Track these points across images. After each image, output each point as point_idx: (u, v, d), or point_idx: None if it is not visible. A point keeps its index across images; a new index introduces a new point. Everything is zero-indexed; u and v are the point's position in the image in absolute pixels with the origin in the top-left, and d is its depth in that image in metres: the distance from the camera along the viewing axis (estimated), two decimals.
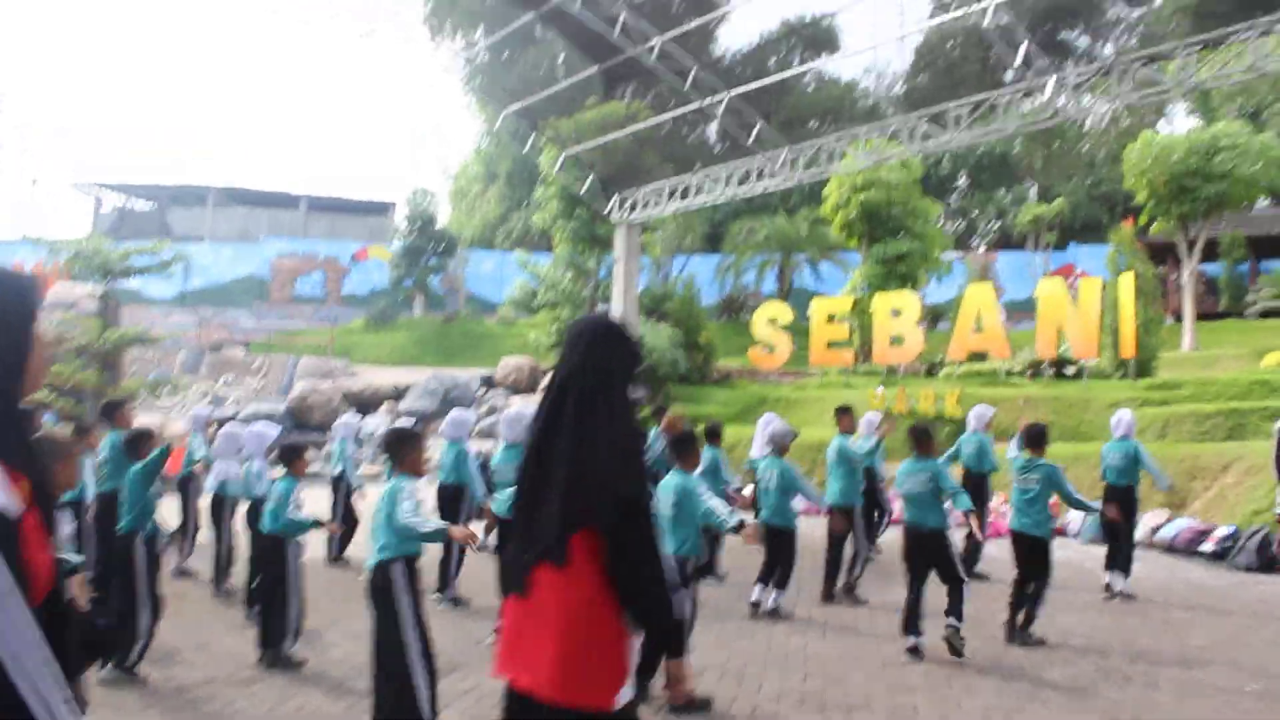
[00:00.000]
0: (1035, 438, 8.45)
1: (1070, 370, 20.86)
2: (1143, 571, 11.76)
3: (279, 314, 42.58)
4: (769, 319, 25.62)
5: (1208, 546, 13.02)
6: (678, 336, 25.62)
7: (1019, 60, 14.81)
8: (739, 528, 6.27)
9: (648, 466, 6.57)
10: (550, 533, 2.95)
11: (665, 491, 6.54)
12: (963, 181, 45.33)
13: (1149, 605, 9.76)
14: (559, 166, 23.32)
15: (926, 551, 7.81)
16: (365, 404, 27.64)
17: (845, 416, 10.68)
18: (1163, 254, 33.22)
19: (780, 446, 9.43)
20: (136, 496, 7.22)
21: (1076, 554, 12.53)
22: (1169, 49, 14.33)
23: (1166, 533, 13.86)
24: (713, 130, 21.90)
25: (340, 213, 49.84)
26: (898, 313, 22.38)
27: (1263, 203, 38.98)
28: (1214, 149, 26.94)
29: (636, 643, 3.04)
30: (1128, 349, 19.40)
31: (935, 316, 32.46)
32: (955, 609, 7.57)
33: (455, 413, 10.61)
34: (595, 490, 2.92)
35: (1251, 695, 6.71)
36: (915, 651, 7.61)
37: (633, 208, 22.65)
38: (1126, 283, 19.48)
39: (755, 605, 9.24)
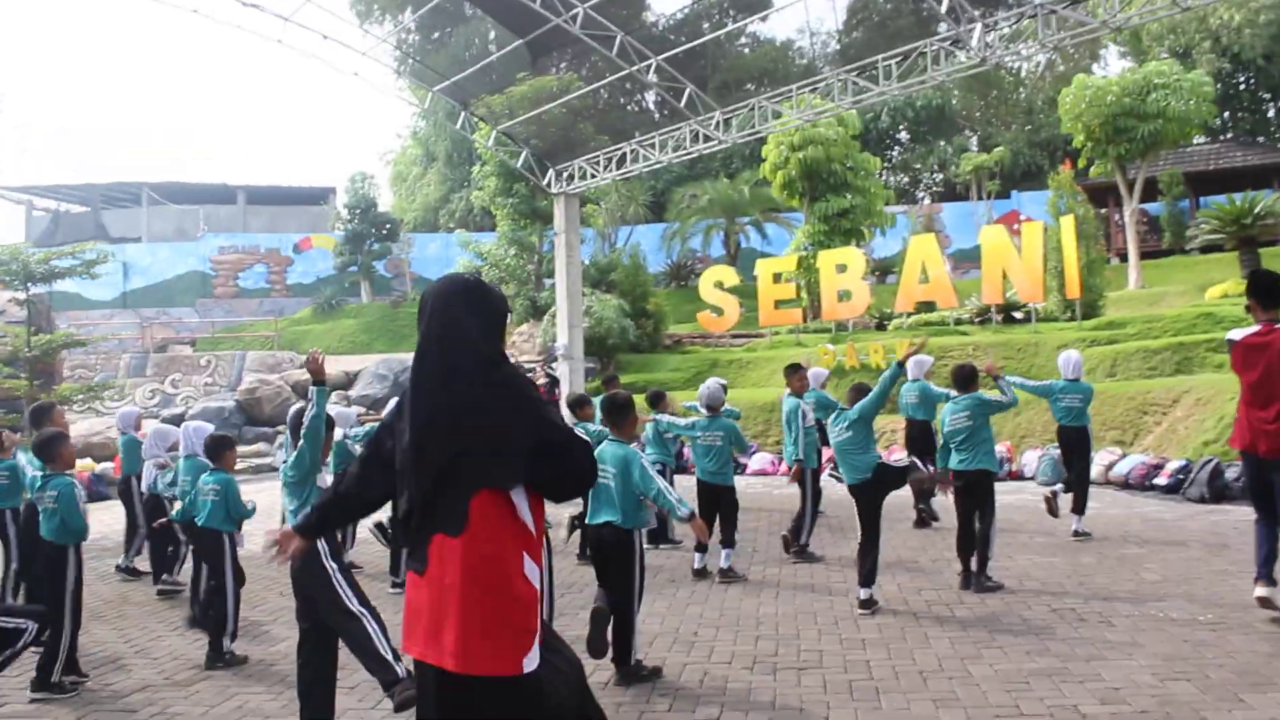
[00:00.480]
0: (965, 379, 8.35)
1: (1019, 315, 20.94)
2: (1098, 509, 11.81)
3: (224, 309, 41.90)
4: (715, 282, 25.50)
5: (1161, 481, 13.12)
6: (625, 306, 25.43)
7: (944, 8, 14.64)
8: (690, 518, 6.08)
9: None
10: (444, 502, 2.80)
11: (605, 461, 6.31)
12: (904, 135, 45.39)
13: (1104, 543, 9.75)
14: (490, 141, 22.95)
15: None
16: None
17: (795, 375, 10.51)
18: (1104, 196, 33.47)
19: (712, 407, 9.32)
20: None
21: (1033, 496, 12.50)
22: None
23: (1120, 469, 13.94)
24: (652, 100, 21.66)
25: (280, 203, 49.02)
26: (843, 268, 22.31)
27: (1199, 140, 39.48)
28: (1146, 88, 27.04)
29: (541, 605, 2.93)
30: (1073, 290, 19.48)
31: (884, 270, 32.54)
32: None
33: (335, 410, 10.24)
34: (486, 449, 2.79)
35: (1205, 626, 6.68)
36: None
37: (570, 179, 22.36)
38: (1068, 225, 19.53)
39: (700, 571, 9.14)
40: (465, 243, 30.71)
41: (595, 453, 5.78)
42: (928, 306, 22.15)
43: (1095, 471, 14.25)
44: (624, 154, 21.09)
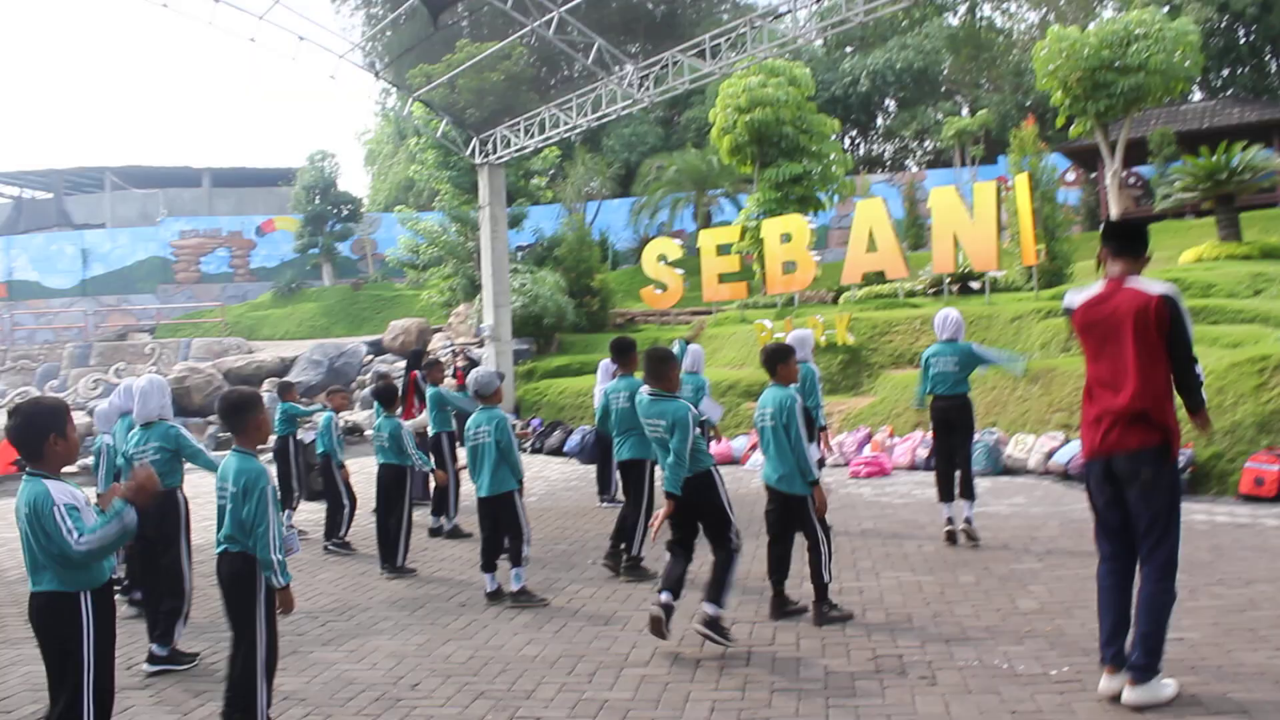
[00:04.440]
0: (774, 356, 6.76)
1: (976, 285, 19.21)
2: (1020, 506, 10.23)
3: (185, 295, 40.57)
4: (658, 256, 23.83)
5: None
6: (563, 283, 23.84)
7: None
8: None
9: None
10: None
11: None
12: (890, 104, 43.51)
13: (999, 553, 8.15)
14: (406, 109, 21.40)
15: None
16: (247, 380, 25.85)
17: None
18: (1088, 158, 31.60)
19: (481, 394, 7.78)
20: None
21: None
22: None
23: (1060, 458, 12.26)
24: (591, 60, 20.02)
25: (246, 185, 47.52)
26: (788, 238, 20.59)
27: (1197, 98, 37.42)
28: (1127, 39, 25.16)
29: None
30: (1028, 257, 17.71)
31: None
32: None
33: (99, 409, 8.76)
34: None
35: (1052, 685, 5.08)
36: None
37: (493, 148, 20.74)
38: (1022, 184, 17.76)
39: (493, 595, 7.66)
40: (405, 220, 29.12)
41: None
42: (879, 278, 20.42)
43: (1034, 460, 12.65)
44: (543, 119, 19.46)
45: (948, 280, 19.13)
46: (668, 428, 6.06)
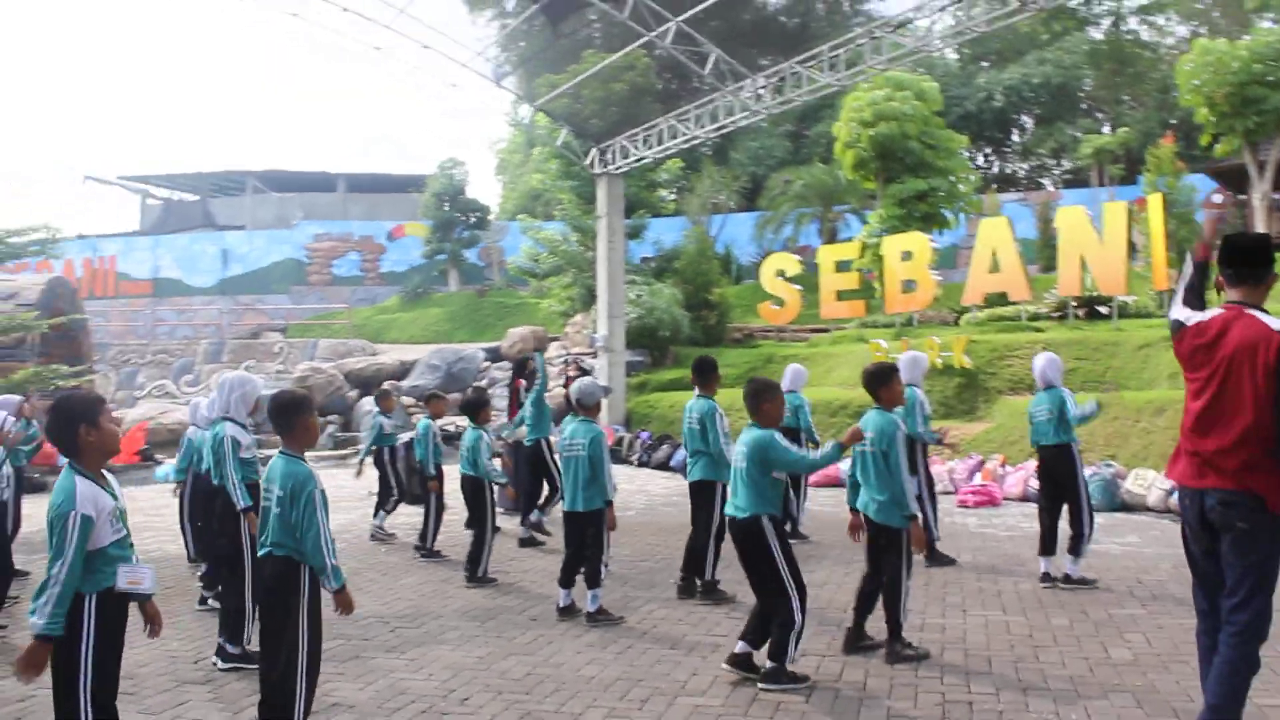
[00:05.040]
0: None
1: (1105, 310, 18.35)
2: (1135, 546, 9.65)
3: (317, 296, 41.75)
4: (776, 271, 23.48)
5: None
6: (679, 295, 23.67)
7: None
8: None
9: None
10: None
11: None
12: (1026, 121, 42.18)
13: (1100, 596, 7.68)
14: (526, 120, 21.54)
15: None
16: (367, 383, 26.43)
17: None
18: (1235, 179, 30.03)
19: (583, 405, 7.63)
20: None
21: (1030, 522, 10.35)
22: None
23: None
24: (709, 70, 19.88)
25: (380, 191, 48.73)
26: (908, 255, 20.03)
27: None
28: None
29: None
30: (1159, 281, 16.85)
31: None
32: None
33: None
34: None
35: None
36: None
37: (613, 159, 20.74)
38: (1155, 204, 16.90)
39: (566, 610, 7.53)
40: (527, 228, 29.34)
41: None
42: (1001, 299, 19.68)
43: (1154, 497, 11.99)
44: (661, 131, 19.37)
45: (1073, 304, 18.32)
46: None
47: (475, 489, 9.19)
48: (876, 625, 6.39)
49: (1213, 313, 4.47)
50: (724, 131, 18.40)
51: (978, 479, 13.77)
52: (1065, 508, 8.12)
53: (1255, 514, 4.19)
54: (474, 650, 6.64)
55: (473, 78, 20.99)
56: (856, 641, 6.30)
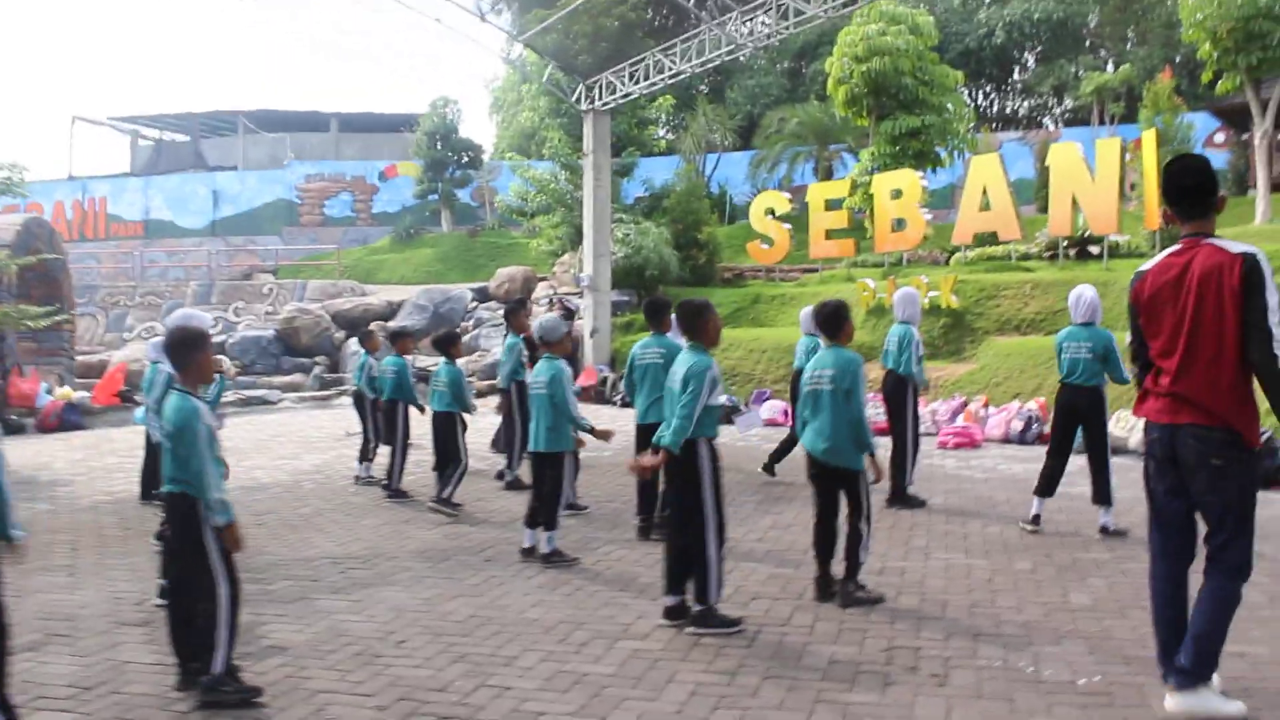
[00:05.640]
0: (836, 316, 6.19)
1: (1096, 250, 18.05)
2: (1134, 494, 9.42)
3: (308, 238, 41.42)
4: (766, 209, 23.12)
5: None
6: (667, 234, 23.34)
7: None
8: None
9: None
10: None
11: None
12: (1028, 58, 41.43)
13: (1073, 541, 7.51)
14: (508, 55, 21.11)
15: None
16: (354, 323, 26.22)
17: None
18: (1240, 118, 29.52)
19: (546, 340, 7.42)
20: None
21: (1016, 466, 10.19)
22: None
23: None
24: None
25: (373, 131, 48.13)
26: (898, 194, 19.68)
27: None
28: None
29: None
30: (1151, 220, 16.53)
31: None
32: None
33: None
34: None
35: (1076, 695, 4.51)
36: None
37: (599, 95, 20.32)
38: (1150, 141, 16.54)
39: (528, 550, 7.34)
40: (515, 167, 28.94)
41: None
42: (992, 239, 19.37)
43: (1135, 439, 11.75)
44: (648, 65, 18.96)
45: (1064, 244, 18.01)
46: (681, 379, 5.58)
47: (446, 425, 9.09)
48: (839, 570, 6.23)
49: (1171, 250, 4.29)
50: (710, 65, 18.01)
51: (960, 420, 13.58)
52: (1086, 454, 7.81)
53: (1230, 449, 4.04)
54: (421, 592, 6.48)
55: (461, 13, 20.48)
56: (827, 588, 6.09)
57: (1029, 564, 6.81)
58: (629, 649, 5.22)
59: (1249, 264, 3.93)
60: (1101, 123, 34.96)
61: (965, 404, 14.03)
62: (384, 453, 10.79)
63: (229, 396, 17.22)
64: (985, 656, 4.97)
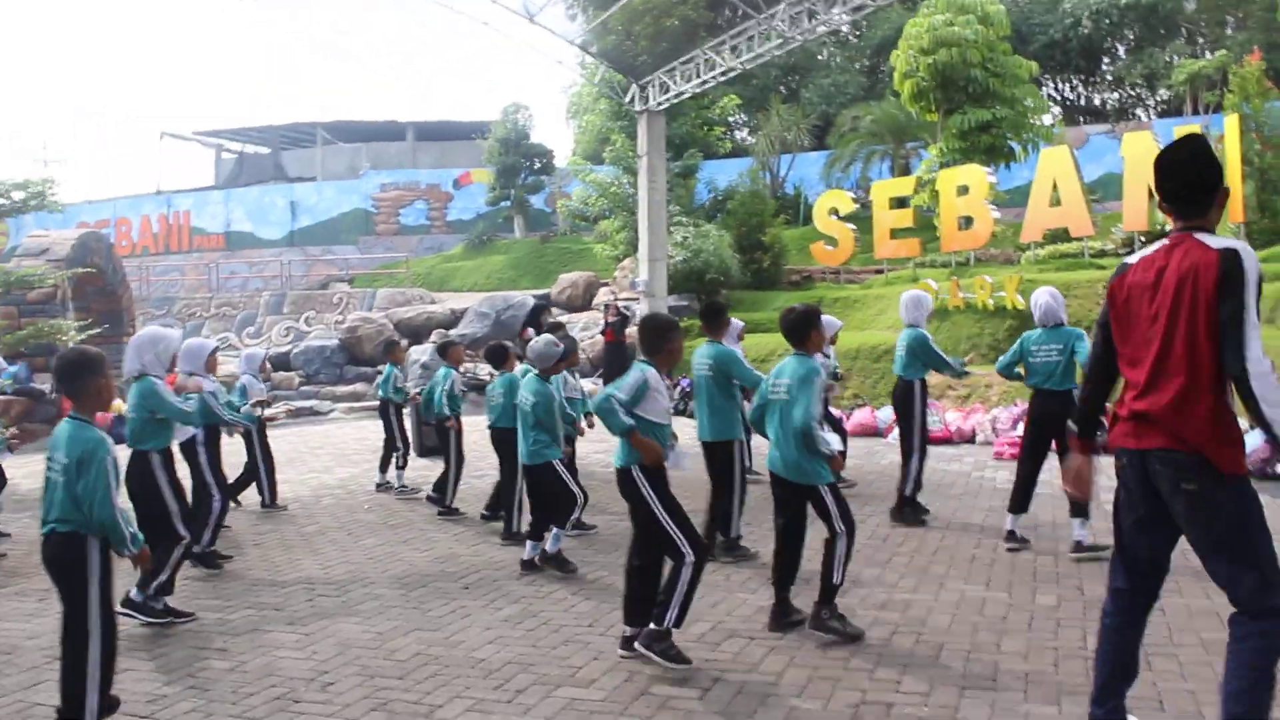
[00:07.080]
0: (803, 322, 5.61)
1: None
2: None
3: (384, 246, 41.62)
4: (829, 209, 22.31)
5: None
6: (728, 238, 22.69)
7: None
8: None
9: None
10: None
11: None
12: (1119, 48, 39.75)
13: (1104, 569, 6.71)
14: (581, 60, 20.73)
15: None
16: (418, 331, 26.15)
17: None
18: None
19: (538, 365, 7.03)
20: None
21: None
22: None
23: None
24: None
25: (448, 139, 48.26)
26: (964, 190, 18.76)
27: None
28: None
29: None
30: (1235, 212, 15.40)
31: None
32: None
33: (191, 343, 8.27)
34: None
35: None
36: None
37: (652, 95, 19.79)
38: (1233, 128, 15.43)
39: (528, 564, 6.97)
40: (577, 171, 28.55)
41: None
42: (1064, 236, 18.34)
43: None
44: (699, 63, 18.38)
45: (1140, 239, 16.94)
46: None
47: (504, 440, 8.25)
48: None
49: (1159, 245, 3.63)
50: (760, 60, 17.29)
51: (1020, 430, 12.69)
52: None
53: (1203, 473, 3.40)
54: (379, 624, 6.01)
55: (508, 19, 20.10)
56: (784, 617, 5.52)
57: (1053, 599, 6.05)
58: (565, 699, 4.66)
59: (1227, 261, 3.31)
60: (1195, 112, 33.31)
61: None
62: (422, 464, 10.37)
63: (278, 408, 17.03)
64: (964, 718, 4.29)
